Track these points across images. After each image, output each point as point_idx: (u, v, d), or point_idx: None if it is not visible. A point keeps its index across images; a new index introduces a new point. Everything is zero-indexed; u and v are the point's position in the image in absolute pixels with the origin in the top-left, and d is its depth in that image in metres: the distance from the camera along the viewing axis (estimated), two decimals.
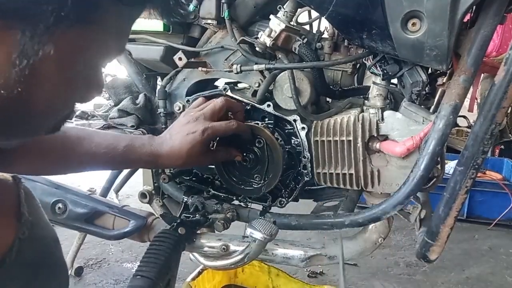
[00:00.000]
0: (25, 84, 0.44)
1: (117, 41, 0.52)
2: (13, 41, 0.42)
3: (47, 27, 0.42)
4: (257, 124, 0.97)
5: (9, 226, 0.46)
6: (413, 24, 0.74)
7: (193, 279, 1.46)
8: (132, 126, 1.09)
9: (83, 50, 0.47)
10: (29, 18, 0.41)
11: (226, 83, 1.03)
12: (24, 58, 0.43)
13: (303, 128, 0.95)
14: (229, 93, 0.99)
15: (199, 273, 1.48)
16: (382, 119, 0.89)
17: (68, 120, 1.24)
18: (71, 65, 0.47)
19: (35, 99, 0.46)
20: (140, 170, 1.33)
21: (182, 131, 0.89)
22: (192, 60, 1.05)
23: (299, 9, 0.98)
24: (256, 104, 0.98)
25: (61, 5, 0.41)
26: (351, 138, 0.91)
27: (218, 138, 0.96)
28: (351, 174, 0.93)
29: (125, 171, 1.46)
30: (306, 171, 0.97)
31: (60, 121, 0.54)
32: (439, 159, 0.82)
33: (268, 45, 0.93)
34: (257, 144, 0.97)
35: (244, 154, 0.99)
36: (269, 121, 0.98)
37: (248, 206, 1.07)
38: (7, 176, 0.48)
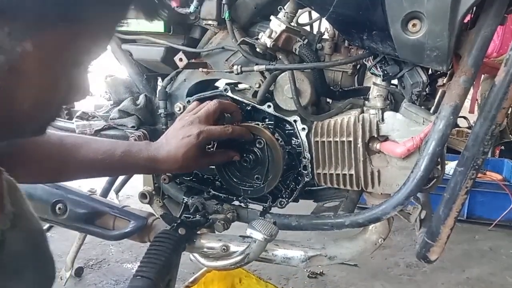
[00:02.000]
0: (5, 81, 0.44)
1: (100, 41, 0.51)
2: None
3: (27, 24, 0.42)
4: (258, 124, 0.97)
5: None
6: (414, 25, 0.74)
7: None
8: (133, 126, 1.09)
9: (65, 49, 0.47)
10: (7, 14, 0.41)
11: (226, 84, 1.03)
12: (2, 53, 0.42)
13: (303, 128, 0.95)
14: (229, 94, 1.00)
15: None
16: (383, 119, 0.89)
17: (69, 121, 1.24)
18: (53, 64, 0.47)
19: (17, 97, 0.46)
20: None
21: (178, 135, 0.89)
22: (193, 61, 1.05)
23: (299, 10, 0.99)
24: (256, 105, 0.98)
25: (41, 4, 0.41)
26: (351, 138, 0.91)
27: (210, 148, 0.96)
28: (351, 175, 0.93)
29: None
30: (306, 172, 0.97)
31: (45, 123, 0.54)
32: (439, 159, 0.82)
33: (268, 46, 0.93)
34: (257, 145, 0.97)
35: (245, 155, 0.99)
36: (269, 122, 0.98)
37: (248, 207, 1.08)
38: None
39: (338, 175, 0.94)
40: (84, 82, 0.54)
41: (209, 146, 0.97)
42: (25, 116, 0.49)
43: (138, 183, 1.28)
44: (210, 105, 0.93)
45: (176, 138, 0.89)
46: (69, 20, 0.44)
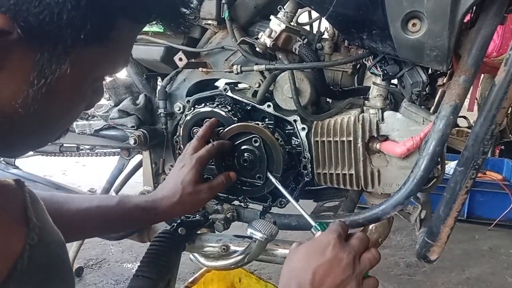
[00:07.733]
0: (41, 102, 0.46)
1: (125, 53, 0.55)
2: (31, 62, 0.44)
3: (65, 48, 0.45)
4: (257, 124, 0.97)
5: (18, 233, 0.45)
6: (414, 25, 0.74)
7: None
8: (133, 126, 1.09)
9: (97, 66, 0.50)
10: (49, 40, 0.44)
11: (226, 84, 1.03)
12: (42, 78, 0.45)
13: (303, 128, 0.95)
14: (229, 93, 0.99)
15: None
16: (382, 119, 0.89)
17: None
18: (84, 81, 0.50)
19: (49, 114, 0.49)
20: (140, 170, 1.33)
21: (174, 173, 0.90)
22: (193, 60, 1.05)
23: (299, 10, 0.98)
24: (256, 105, 0.98)
25: (80, 29, 0.44)
26: (351, 138, 0.91)
27: (212, 164, 0.96)
28: (351, 175, 0.93)
29: (126, 171, 1.46)
30: (306, 172, 0.97)
31: (67, 128, 0.57)
32: (439, 159, 0.82)
33: (268, 46, 0.93)
34: (253, 143, 0.96)
35: (244, 155, 0.98)
36: (269, 122, 0.98)
37: (248, 207, 1.07)
38: (10, 180, 0.48)
39: (338, 174, 0.94)
40: (103, 87, 0.58)
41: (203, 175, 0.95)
42: (54, 128, 0.53)
43: (138, 183, 1.28)
44: (193, 141, 0.93)
45: (174, 175, 0.89)
46: (102, 40, 0.47)
